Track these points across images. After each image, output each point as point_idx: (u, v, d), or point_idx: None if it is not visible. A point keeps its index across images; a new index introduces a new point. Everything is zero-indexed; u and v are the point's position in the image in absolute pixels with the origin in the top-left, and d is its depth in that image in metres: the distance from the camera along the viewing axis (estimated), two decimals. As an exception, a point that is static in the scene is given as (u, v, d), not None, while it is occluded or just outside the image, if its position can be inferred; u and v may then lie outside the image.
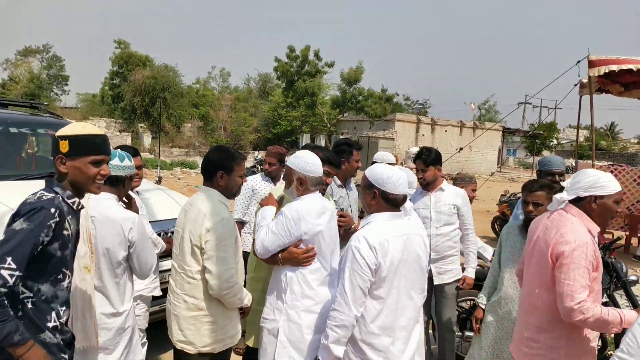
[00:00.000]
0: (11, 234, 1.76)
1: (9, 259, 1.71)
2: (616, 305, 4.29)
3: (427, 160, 3.88)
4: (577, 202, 2.43)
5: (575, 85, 8.81)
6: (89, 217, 2.43)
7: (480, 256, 4.62)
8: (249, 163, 21.26)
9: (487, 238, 9.87)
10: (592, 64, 7.53)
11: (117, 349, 2.59)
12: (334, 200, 3.62)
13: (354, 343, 2.41)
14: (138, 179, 3.39)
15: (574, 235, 2.32)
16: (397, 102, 39.41)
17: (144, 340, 3.33)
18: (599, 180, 2.38)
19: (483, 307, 3.34)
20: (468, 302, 4.46)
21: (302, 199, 2.75)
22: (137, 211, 2.88)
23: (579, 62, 8.07)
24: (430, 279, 3.72)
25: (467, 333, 4.28)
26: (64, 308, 1.96)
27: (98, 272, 2.50)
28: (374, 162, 3.49)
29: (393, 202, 2.44)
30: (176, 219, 2.87)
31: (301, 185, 2.76)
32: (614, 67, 7.33)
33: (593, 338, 2.46)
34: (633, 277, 4.40)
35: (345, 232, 3.37)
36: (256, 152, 29.30)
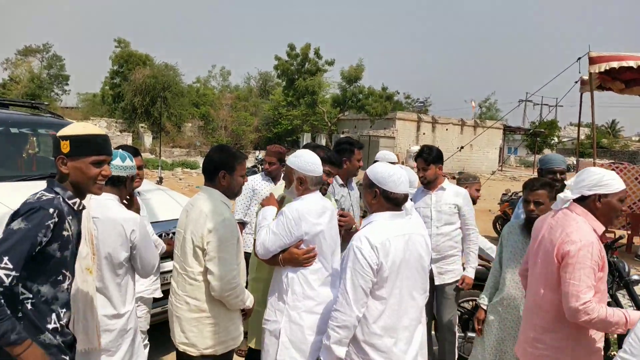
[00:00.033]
0: (8, 234, 1.75)
1: (5, 259, 1.70)
2: (619, 305, 4.27)
3: (428, 159, 3.86)
4: (582, 201, 2.42)
5: (576, 82, 8.80)
6: (90, 217, 2.42)
7: (488, 257, 4.60)
8: (249, 163, 21.26)
9: (488, 237, 9.80)
10: (592, 61, 7.51)
11: (120, 350, 2.58)
12: (336, 200, 3.61)
13: (356, 344, 2.40)
14: (139, 179, 3.39)
15: (579, 235, 2.30)
16: (398, 100, 39.39)
17: (146, 342, 3.33)
18: (602, 178, 2.37)
19: (485, 307, 3.33)
20: (470, 303, 4.45)
21: (303, 199, 2.74)
22: (138, 209, 2.87)
23: (579, 59, 8.07)
24: (431, 279, 3.71)
25: (470, 334, 4.27)
26: (64, 310, 1.96)
27: (99, 273, 2.49)
28: (375, 162, 3.48)
29: (394, 201, 2.44)
30: (177, 219, 2.85)
31: (301, 184, 2.76)
32: (615, 64, 7.32)
33: (599, 339, 2.45)
34: (636, 277, 4.38)
35: (346, 232, 3.36)
36: (257, 152, 29.28)
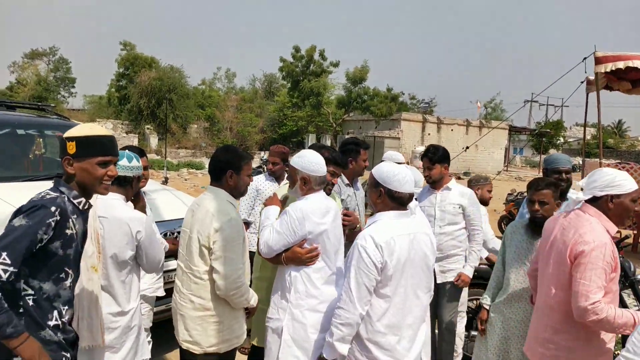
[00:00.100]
0: (9, 230, 1.78)
1: (4, 254, 1.72)
2: (624, 304, 4.26)
3: (433, 158, 3.87)
4: (594, 201, 2.42)
5: (582, 82, 8.75)
6: (96, 217, 2.44)
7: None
8: (255, 163, 21.23)
9: (493, 237, 9.81)
10: (598, 61, 7.47)
11: (124, 347, 2.60)
12: (342, 199, 3.62)
13: (360, 341, 2.41)
14: (144, 179, 3.41)
15: (592, 236, 2.31)
16: (403, 101, 39.31)
17: (149, 339, 3.35)
18: (615, 179, 2.37)
19: (487, 307, 3.31)
20: (474, 302, 4.43)
21: (307, 199, 2.75)
22: (144, 206, 2.89)
23: (585, 58, 8.02)
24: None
25: (474, 333, 4.26)
26: (66, 307, 1.98)
27: (105, 272, 2.51)
28: (382, 162, 3.49)
29: (399, 201, 2.44)
30: (182, 219, 2.87)
31: (305, 184, 2.77)
32: (621, 65, 7.27)
33: (609, 339, 2.44)
34: (641, 276, 4.36)
35: (350, 231, 3.37)
36: (262, 153, 29.32)
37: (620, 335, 4.33)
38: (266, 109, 39.69)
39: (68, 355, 1.99)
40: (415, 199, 3.66)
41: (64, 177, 1.99)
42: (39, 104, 6.60)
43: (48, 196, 1.90)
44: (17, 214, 1.84)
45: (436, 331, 4.25)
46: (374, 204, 2.53)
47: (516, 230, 3.30)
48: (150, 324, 3.42)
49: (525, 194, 3.33)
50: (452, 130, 34.23)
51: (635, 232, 9.63)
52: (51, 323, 1.92)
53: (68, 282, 1.97)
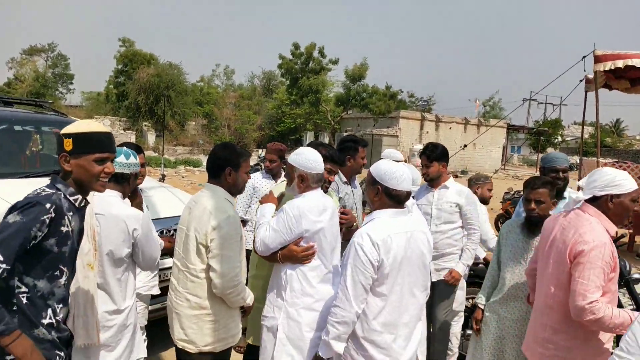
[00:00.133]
0: (3, 227, 1.77)
1: None
2: (619, 304, 4.26)
3: (431, 156, 3.86)
4: (593, 201, 2.42)
5: (581, 81, 8.75)
6: (93, 214, 2.43)
7: None
8: (252, 161, 21.26)
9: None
10: (598, 59, 7.47)
11: (119, 346, 2.59)
12: (340, 197, 3.62)
13: (356, 340, 2.41)
14: (140, 177, 3.40)
15: (592, 236, 2.31)
16: (402, 99, 39.29)
17: (144, 337, 3.34)
18: (615, 179, 2.38)
19: (482, 307, 3.31)
20: (469, 301, 4.44)
21: (304, 196, 2.75)
22: (141, 202, 2.88)
23: (584, 57, 8.02)
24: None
25: (469, 331, 4.27)
26: (60, 305, 1.96)
27: (101, 269, 2.50)
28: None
29: (396, 199, 2.44)
30: (179, 216, 2.86)
31: (302, 182, 2.76)
32: (620, 63, 7.27)
33: (607, 339, 2.46)
34: (636, 275, 4.36)
35: (347, 229, 3.37)
36: (260, 150, 29.31)
37: (615, 335, 4.35)
38: (264, 106, 39.66)
39: (62, 353, 1.97)
40: (413, 197, 3.66)
41: (60, 174, 1.97)
42: (37, 100, 6.58)
43: (44, 193, 1.88)
44: (11, 210, 1.82)
45: (431, 330, 4.25)
46: (371, 202, 2.53)
47: (512, 229, 3.29)
48: (145, 322, 3.42)
49: (522, 192, 3.33)
50: (450, 128, 34.23)
51: (630, 231, 9.65)
52: (45, 321, 1.90)
53: (63, 280, 1.96)
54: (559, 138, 46.09)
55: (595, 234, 2.32)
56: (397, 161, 4.06)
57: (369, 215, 2.52)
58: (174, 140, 32.01)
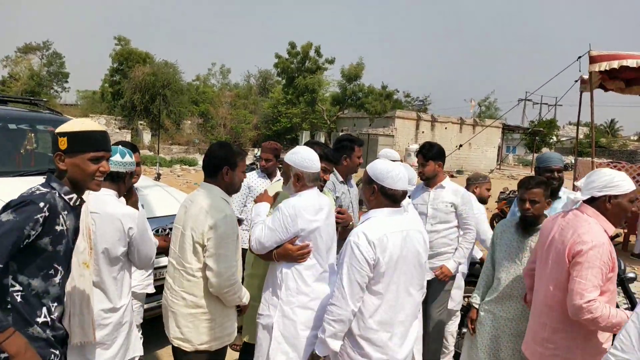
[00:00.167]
0: None
1: None
2: (614, 302, 4.28)
3: (427, 155, 3.87)
4: (592, 202, 2.44)
5: (576, 81, 8.78)
6: (89, 213, 2.42)
7: None
8: (248, 160, 21.22)
9: (486, 235, 9.84)
10: (593, 60, 7.48)
11: (115, 344, 2.59)
12: (337, 197, 3.62)
13: (352, 338, 2.42)
14: (136, 176, 3.40)
15: (591, 236, 2.33)
16: (397, 99, 39.35)
17: (140, 335, 3.34)
18: (613, 179, 2.39)
19: (477, 306, 3.31)
20: (465, 299, 4.45)
21: (300, 195, 2.75)
22: (136, 201, 2.88)
23: (579, 57, 8.04)
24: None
25: (465, 330, 4.28)
26: (55, 304, 1.95)
27: (96, 268, 2.49)
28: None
29: (392, 198, 2.45)
30: (174, 215, 2.86)
31: (298, 181, 2.76)
32: (615, 64, 7.28)
33: (606, 339, 2.47)
34: (631, 275, 4.39)
35: (344, 229, 3.37)
36: (255, 149, 29.27)
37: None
38: (260, 105, 39.61)
39: (57, 352, 1.96)
40: (409, 197, 3.66)
41: (55, 173, 1.97)
42: (32, 98, 6.56)
43: (38, 192, 1.87)
44: (5, 208, 1.81)
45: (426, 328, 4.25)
46: (367, 201, 2.54)
47: (506, 228, 3.29)
48: (141, 321, 3.41)
49: (517, 192, 3.34)
50: (445, 128, 34.31)
51: (625, 230, 9.70)
52: (40, 320, 1.89)
53: (57, 279, 1.95)
54: (554, 138, 46.28)
55: (594, 235, 2.33)
56: (394, 161, 4.08)
57: (365, 214, 2.52)
58: (169, 139, 31.92)
